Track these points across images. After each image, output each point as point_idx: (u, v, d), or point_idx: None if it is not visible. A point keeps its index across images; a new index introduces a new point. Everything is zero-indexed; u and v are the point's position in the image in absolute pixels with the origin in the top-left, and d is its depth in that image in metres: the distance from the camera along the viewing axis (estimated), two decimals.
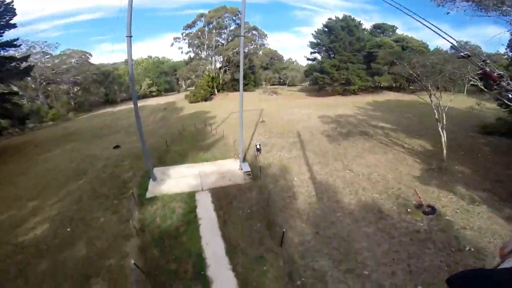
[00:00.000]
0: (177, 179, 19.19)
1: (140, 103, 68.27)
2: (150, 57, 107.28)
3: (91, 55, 76.87)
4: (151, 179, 18.92)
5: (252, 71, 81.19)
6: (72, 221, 14.87)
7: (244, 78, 77.72)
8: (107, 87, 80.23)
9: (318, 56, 69.16)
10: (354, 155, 22.81)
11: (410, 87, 61.29)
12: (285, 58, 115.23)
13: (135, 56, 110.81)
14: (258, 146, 22.86)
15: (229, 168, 20.84)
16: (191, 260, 11.57)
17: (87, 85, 72.65)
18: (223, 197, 16.62)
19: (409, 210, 14.60)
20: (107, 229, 13.99)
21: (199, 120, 39.35)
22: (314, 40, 66.04)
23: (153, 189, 17.81)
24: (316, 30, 65.20)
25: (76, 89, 71.80)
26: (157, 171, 20.50)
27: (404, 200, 15.60)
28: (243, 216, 14.75)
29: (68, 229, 14.16)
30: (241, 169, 20.17)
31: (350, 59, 58.88)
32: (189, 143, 28.29)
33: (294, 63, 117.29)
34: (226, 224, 14.10)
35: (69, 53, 70.60)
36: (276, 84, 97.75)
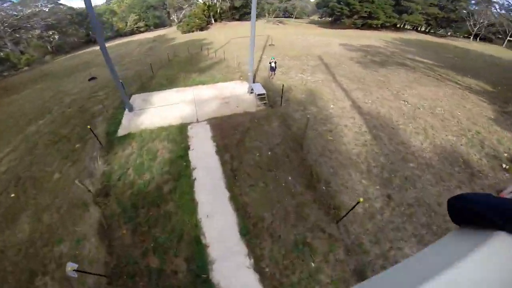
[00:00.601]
0: (162, 108, 13.62)
1: (126, 39, 60.28)
2: None
3: None
4: (126, 110, 13.49)
5: None
6: (19, 181, 9.73)
7: (246, 6, 68.16)
8: (87, 27, 71.84)
9: None
10: (401, 84, 16.80)
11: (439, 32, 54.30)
12: None
13: None
14: (273, 64, 16.55)
15: (235, 92, 15.13)
16: (182, 250, 6.53)
17: (63, 27, 65.73)
18: (229, 131, 11.07)
19: (504, 166, 9.31)
20: (61, 193, 8.87)
21: (193, 46, 32.12)
22: None
23: (128, 123, 12.34)
24: None
25: (51, 33, 64.40)
26: (136, 98, 14.99)
27: (492, 149, 10.21)
28: (262, 164, 9.26)
29: (12, 195, 9.19)
30: (252, 92, 14.44)
31: None
32: (181, 67, 21.93)
33: None
34: (237, 178, 8.70)
35: None
36: (281, 17, 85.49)
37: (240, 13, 65.54)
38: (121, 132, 11.75)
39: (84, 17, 71.17)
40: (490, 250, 0.68)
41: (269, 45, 29.30)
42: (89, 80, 23.40)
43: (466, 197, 0.99)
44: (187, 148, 10.18)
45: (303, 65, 20.61)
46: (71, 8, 69.69)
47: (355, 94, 14.83)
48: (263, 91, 13.45)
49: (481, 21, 49.45)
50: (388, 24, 52.25)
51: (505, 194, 0.97)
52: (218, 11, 62.13)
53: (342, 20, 53.38)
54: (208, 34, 46.72)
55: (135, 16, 79.42)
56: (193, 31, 52.42)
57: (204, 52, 27.49)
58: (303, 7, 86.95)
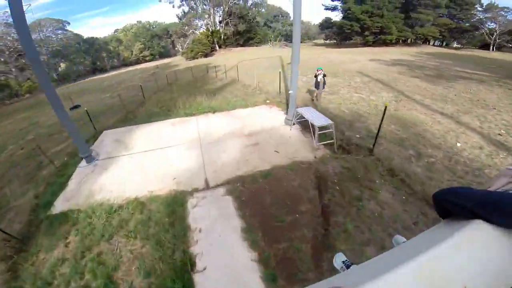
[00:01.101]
0: (144, 156, 7.83)
1: (131, 68, 57.14)
2: (140, 21, 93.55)
3: (68, 23, 65.62)
4: (83, 160, 7.83)
5: (258, 25, 67.27)
6: None
7: (249, 31, 65.32)
8: (93, 55, 70.78)
9: (340, 5, 55.05)
10: (498, 100, 11.11)
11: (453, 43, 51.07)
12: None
13: (124, 24, 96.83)
14: (320, 78, 10.39)
15: (265, 123, 9.36)
16: None
17: (71, 55, 63.98)
18: (276, 218, 5.12)
19: None
20: None
21: (198, 70, 27.34)
22: None
23: (77, 188, 6.58)
24: None
25: (56, 60, 62.84)
26: (106, 138, 9.45)
27: None
28: None
29: None
30: (296, 122, 8.79)
31: (385, 6, 44.54)
32: (183, 90, 16.66)
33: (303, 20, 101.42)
34: None
35: (39, 21, 58.85)
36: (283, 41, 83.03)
37: (244, 39, 62.80)
38: (58, 205, 5.96)
39: (91, 45, 69.62)
40: (468, 236, 0.79)
41: (288, 64, 24.24)
42: (71, 109, 18.39)
43: (452, 191, 1.08)
44: (187, 260, 4.19)
45: (349, 82, 15.14)
46: (77, 36, 68.26)
47: (465, 119, 9.01)
48: (327, 122, 7.24)
49: (497, 29, 45.17)
50: (401, 39, 47.98)
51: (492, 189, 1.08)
52: (222, 37, 59.15)
53: (353, 39, 49.40)
54: (213, 59, 42.81)
55: (140, 44, 78.32)
56: (197, 58, 48.72)
57: (211, 74, 22.43)
58: (307, 30, 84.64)
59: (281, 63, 25.31)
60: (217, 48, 57.02)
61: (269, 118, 9.84)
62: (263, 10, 69.83)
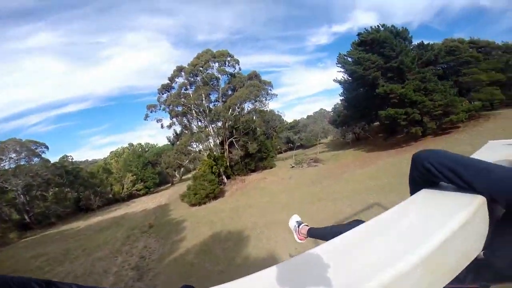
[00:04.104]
0: None
1: (122, 210, 44.10)
2: (132, 145, 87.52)
3: (46, 147, 54.96)
4: None
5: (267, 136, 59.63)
6: None
7: (259, 151, 49.05)
8: (78, 190, 58.16)
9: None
10: None
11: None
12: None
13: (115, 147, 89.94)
14: None
15: None
16: None
17: (48, 190, 52.30)
18: None
19: None
20: None
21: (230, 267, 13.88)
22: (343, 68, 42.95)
23: None
24: (340, 55, 42.51)
25: (27, 198, 49.10)
26: None
27: None
28: None
29: None
30: None
31: (431, 78, 34.89)
32: None
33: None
34: None
35: (6, 145, 48.31)
36: (287, 150, 74.22)
37: (254, 161, 52.12)
38: None
39: (75, 176, 57.80)
40: (471, 214, 0.79)
41: None
42: None
43: (440, 153, 1.05)
44: None
45: None
46: (56, 166, 55.65)
47: None
48: None
49: None
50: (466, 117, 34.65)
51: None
52: (229, 163, 49.12)
53: (411, 130, 35.60)
54: (232, 208, 29.57)
55: (132, 176, 67.33)
56: (205, 203, 36.25)
57: None
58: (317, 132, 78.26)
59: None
60: (225, 179, 46.16)
61: None
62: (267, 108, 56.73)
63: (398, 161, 27.00)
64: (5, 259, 24.30)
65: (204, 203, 36.00)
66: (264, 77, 52.74)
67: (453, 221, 0.74)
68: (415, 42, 40.67)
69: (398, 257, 0.63)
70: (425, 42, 39.82)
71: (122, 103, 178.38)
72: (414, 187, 1.13)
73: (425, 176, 1.03)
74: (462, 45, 39.69)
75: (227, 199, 36.21)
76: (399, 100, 34.58)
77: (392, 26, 39.77)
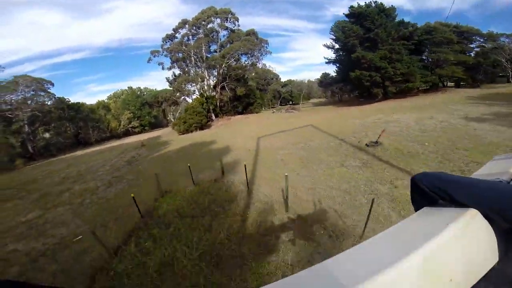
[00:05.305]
0: None
1: (117, 142, 49.13)
2: (131, 88, 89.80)
3: (52, 84, 58.16)
4: None
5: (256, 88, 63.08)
6: None
7: (248, 96, 57.70)
8: (78, 125, 63.23)
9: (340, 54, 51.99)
10: None
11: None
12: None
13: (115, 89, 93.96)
14: None
15: None
16: None
17: (51, 123, 56.09)
18: None
19: None
20: None
21: (200, 162, 17.94)
22: (333, 36, 48.58)
23: None
24: (334, 24, 48.23)
25: (31, 129, 53.28)
26: None
27: None
28: None
29: None
30: None
31: (400, 50, 40.70)
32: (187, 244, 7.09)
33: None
34: None
35: (18, 80, 51.68)
36: (281, 105, 78.21)
37: (242, 105, 57.06)
38: None
39: (76, 111, 62.19)
40: (462, 226, 0.79)
41: (372, 143, 16.11)
42: None
43: (436, 176, 1.04)
44: None
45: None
46: (61, 100, 60.02)
47: None
48: None
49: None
50: (426, 86, 43.61)
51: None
52: (218, 104, 53.42)
53: (374, 91, 43.84)
54: (213, 134, 35.42)
55: (129, 113, 72.42)
56: (192, 131, 41.53)
57: (229, 183, 12.59)
58: (310, 90, 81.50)
59: (358, 142, 16.90)
60: (213, 117, 50.84)
61: None
62: (253, 74, 63.50)
63: (350, 111, 35.74)
64: (7, 180, 28.09)
65: (191, 131, 41.44)
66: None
67: (445, 234, 0.75)
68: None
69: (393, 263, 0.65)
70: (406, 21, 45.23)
71: (122, 55, 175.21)
72: (417, 207, 1.14)
73: (423, 196, 1.07)
74: (443, 27, 44.22)
75: (212, 129, 41.63)
76: (368, 65, 40.97)
77: (381, 3, 44.52)
